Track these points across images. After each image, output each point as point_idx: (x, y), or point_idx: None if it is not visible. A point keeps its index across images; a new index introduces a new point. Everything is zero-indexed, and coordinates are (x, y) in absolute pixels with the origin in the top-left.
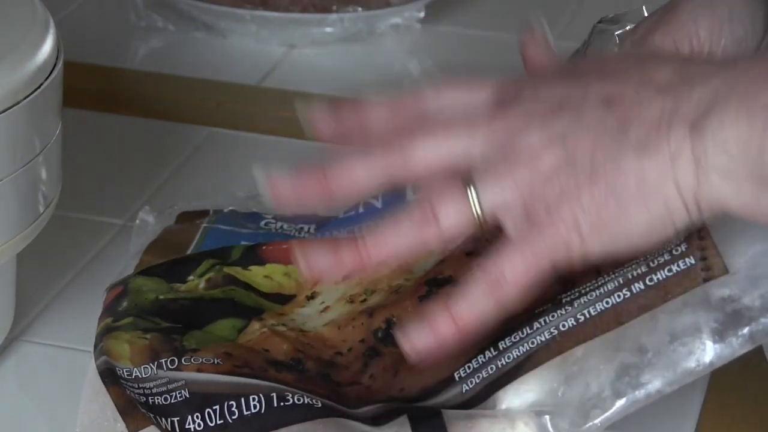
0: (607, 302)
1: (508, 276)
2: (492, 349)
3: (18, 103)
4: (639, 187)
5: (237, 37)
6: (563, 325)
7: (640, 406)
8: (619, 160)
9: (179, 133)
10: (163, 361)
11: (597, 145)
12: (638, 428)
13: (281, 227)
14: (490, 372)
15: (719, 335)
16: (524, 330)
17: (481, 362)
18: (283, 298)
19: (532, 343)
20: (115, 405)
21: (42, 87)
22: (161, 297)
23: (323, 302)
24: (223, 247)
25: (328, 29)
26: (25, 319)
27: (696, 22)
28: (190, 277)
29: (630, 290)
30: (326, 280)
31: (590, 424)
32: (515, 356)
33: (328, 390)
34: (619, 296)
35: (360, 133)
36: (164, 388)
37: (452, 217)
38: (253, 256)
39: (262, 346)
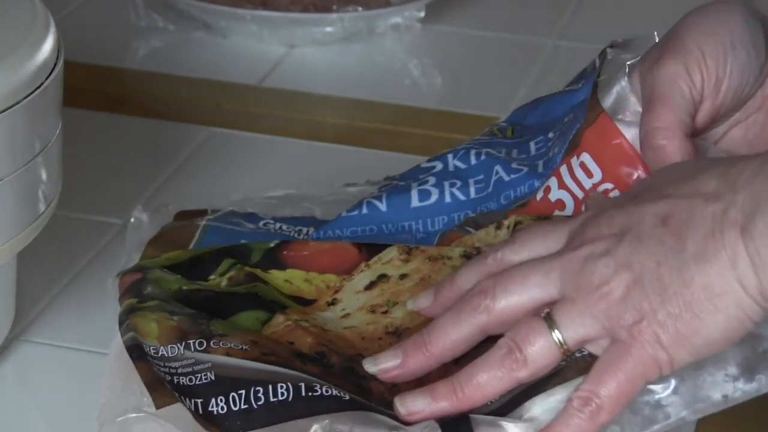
0: None
1: (605, 400)
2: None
3: (18, 102)
4: (707, 294)
5: (237, 36)
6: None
7: (660, 430)
8: (683, 274)
9: (179, 132)
10: (191, 342)
11: (660, 263)
12: None
13: (280, 228)
14: (518, 386)
15: (747, 371)
16: None
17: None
18: (304, 302)
19: (562, 360)
20: (143, 380)
21: (42, 87)
22: (185, 288)
23: (344, 309)
24: (238, 244)
25: (329, 29)
26: (25, 319)
27: (702, 51)
28: (212, 276)
29: None
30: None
31: None
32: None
33: (353, 385)
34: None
35: (456, 299)
36: (190, 369)
37: (539, 354)
38: (273, 259)
39: (287, 338)
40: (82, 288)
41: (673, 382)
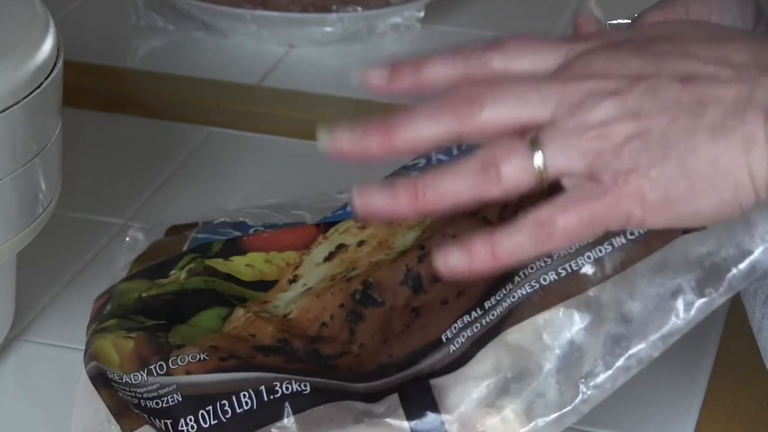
0: (589, 257)
1: (559, 228)
2: (478, 309)
3: (18, 102)
4: (711, 168)
5: (237, 36)
6: (544, 279)
7: (631, 374)
8: (694, 140)
9: (179, 132)
10: (152, 367)
11: (671, 122)
12: (638, 427)
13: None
14: (475, 330)
15: (700, 291)
16: (507, 286)
17: (466, 322)
18: (266, 285)
19: (514, 296)
20: (108, 407)
21: (42, 86)
22: (144, 295)
23: (305, 284)
24: (204, 243)
25: (328, 29)
26: (25, 319)
27: (687, 7)
28: (172, 271)
29: (611, 244)
30: (376, 222)
31: (581, 397)
32: (499, 312)
33: (318, 366)
34: (600, 250)
35: (419, 90)
36: (155, 393)
37: (515, 174)
38: (233, 246)
39: (248, 331)
40: (81, 288)
41: (639, 334)
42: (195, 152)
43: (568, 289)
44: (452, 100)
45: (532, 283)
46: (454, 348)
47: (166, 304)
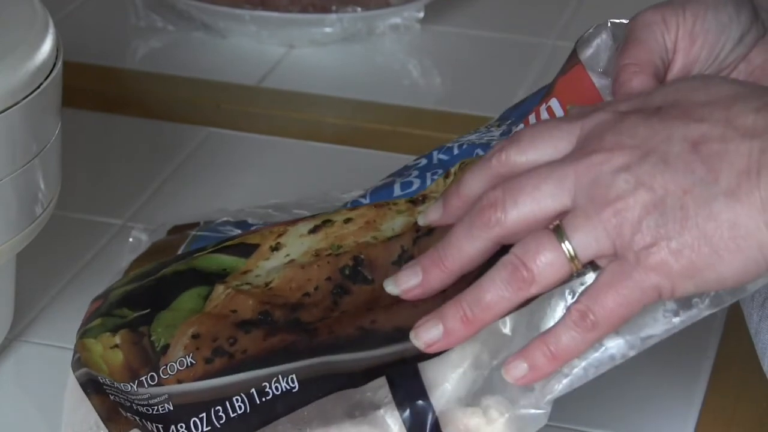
0: None
1: (599, 317)
2: None
3: (17, 103)
4: (732, 233)
5: (236, 37)
6: None
7: (604, 369)
8: (710, 206)
9: (179, 133)
10: (143, 378)
11: (687, 191)
12: (638, 428)
13: None
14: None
15: (683, 302)
16: None
17: None
18: (247, 250)
19: (572, 276)
20: (98, 412)
21: (41, 87)
22: (128, 288)
23: (288, 255)
24: (202, 247)
25: (328, 29)
26: (25, 320)
27: (683, 5)
28: (162, 271)
29: None
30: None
31: (558, 386)
32: None
33: (301, 331)
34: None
35: (469, 207)
36: (146, 402)
37: (548, 269)
38: (225, 239)
39: (228, 308)
40: (81, 288)
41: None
42: (194, 153)
43: None
44: (479, 212)
45: None
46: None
47: (148, 290)
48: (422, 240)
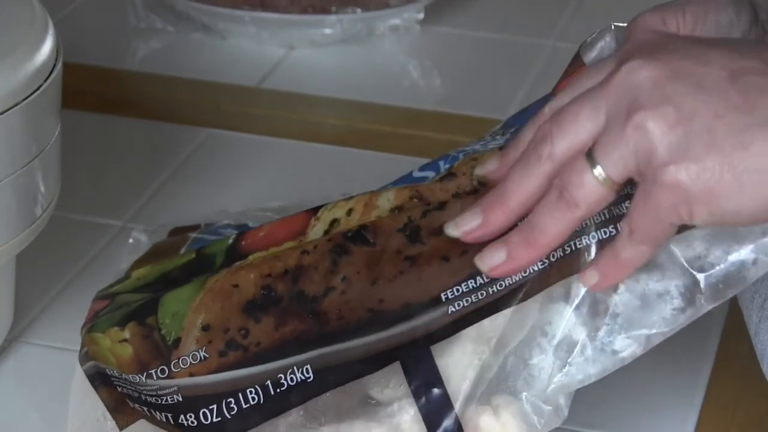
0: (593, 236)
1: (635, 235)
2: (485, 276)
3: (17, 104)
4: (759, 165)
5: (236, 38)
6: (553, 256)
7: (611, 370)
8: (742, 136)
9: (178, 134)
10: (153, 371)
11: (719, 117)
12: (638, 428)
13: None
14: (480, 298)
15: (689, 297)
16: None
17: (471, 287)
18: None
19: (525, 272)
20: (105, 404)
21: (41, 88)
22: (137, 297)
23: None
24: (204, 256)
25: (327, 30)
26: (25, 320)
27: (683, 7)
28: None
29: (616, 228)
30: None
31: (569, 383)
32: (507, 284)
33: (306, 311)
34: (604, 232)
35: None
36: (154, 393)
37: (587, 194)
38: (235, 254)
39: (230, 282)
40: (80, 289)
41: (623, 329)
42: (194, 154)
43: (569, 266)
44: (532, 149)
45: (543, 259)
46: (453, 309)
47: (156, 281)
48: (433, 213)
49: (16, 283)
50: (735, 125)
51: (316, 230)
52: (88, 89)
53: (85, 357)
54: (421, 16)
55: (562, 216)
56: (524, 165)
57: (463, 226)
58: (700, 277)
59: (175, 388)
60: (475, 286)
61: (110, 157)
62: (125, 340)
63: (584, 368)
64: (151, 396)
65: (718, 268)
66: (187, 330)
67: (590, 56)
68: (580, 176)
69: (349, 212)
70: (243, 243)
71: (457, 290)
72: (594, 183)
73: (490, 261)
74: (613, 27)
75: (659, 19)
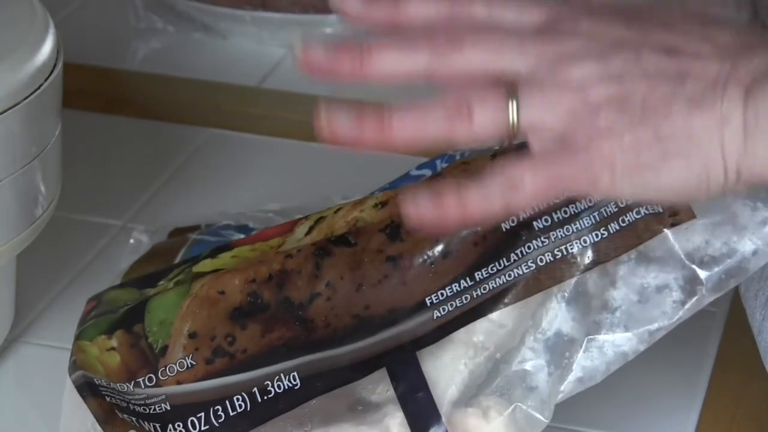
0: (585, 240)
1: (527, 185)
2: (468, 279)
3: (17, 104)
4: (685, 138)
5: (237, 38)
6: (541, 260)
7: (615, 367)
8: (671, 108)
9: (179, 134)
10: (140, 379)
11: (652, 89)
12: (638, 428)
13: None
14: (465, 302)
15: (688, 289)
16: (501, 261)
17: (455, 290)
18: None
19: (510, 276)
20: (94, 415)
21: (41, 88)
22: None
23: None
24: (195, 255)
25: (328, 30)
26: (25, 321)
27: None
28: (161, 282)
29: (607, 230)
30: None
31: (566, 383)
32: (492, 287)
33: (293, 319)
34: (597, 235)
35: (395, 24)
36: (142, 402)
37: (486, 119)
38: (222, 247)
39: (216, 288)
40: (81, 289)
41: (623, 325)
42: (195, 154)
43: (561, 271)
44: (431, 37)
45: (529, 263)
46: (438, 314)
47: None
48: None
49: (16, 283)
50: (666, 97)
51: (303, 227)
52: (88, 89)
53: (73, 367)
54: None
55: (443, 124)
56: (412, 41)
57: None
58: (700, 269)
59: (163, 396)
60: (458, 289)
61: (111, 157)
62: (113, 348)
63: (585, 367)
64: (140, 405)
65: (717, 259)
66: (174, 338)
67: None
68: (493, 103)
69: (337, 210)
70: (233, 241)
71: (442, 294)
72: (502, 117)
73: (333, 121)
74: None
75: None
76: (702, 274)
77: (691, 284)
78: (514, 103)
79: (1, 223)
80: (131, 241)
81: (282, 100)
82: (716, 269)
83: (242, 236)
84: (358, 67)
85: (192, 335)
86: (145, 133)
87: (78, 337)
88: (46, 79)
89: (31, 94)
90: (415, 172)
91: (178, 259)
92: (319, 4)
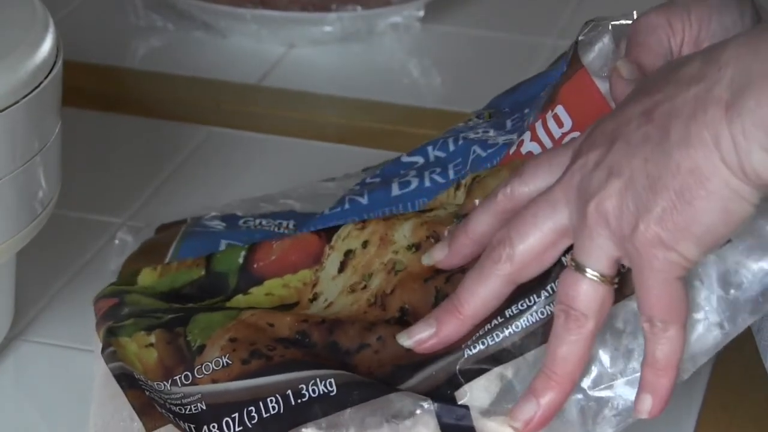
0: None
1: (663, 319)
2: (498, 318)
3: (17, 102)
4: (695, 179)
5: (236, 36)
6: None
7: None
8: (669, 163)
9: (179, 132)
10: (177, 377)
11: (647, 159)
12: (638, 428)
13: (260, 223)
14: (496, 339)
15: (728, 314)
16: (531, 298)
17: (486, 329)
18: (287, 308)
19: (542, 314)
20: (132, 406)
21: (41, 86)
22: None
23: (326, 299)
24: (215, 273)
25: (328, 28)
26: (25, 318)
27: (688, 8)
28: (190, 304)
29: None
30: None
31: (605, 411)
32: (524, 326)
33: (337, 362)
34: (624, 266)
35: (480, 248)
36: (179, 401)
37: (592, 302)
38: (248, 277)
39: (266, 320)
40: (81, 287)
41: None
42: (195, 152)
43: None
44: (489, 252)
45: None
46: (469, 353)
47: (193, 287)
48: (453, 278)
49: (16, 280)
50: (661, 157)
51: (332, 260)
52: (88, 87)
53: (111, 356)
54: (421, 14)
55: (578, 337)
56: (479, 270)
57: (415, 336)
58: (736, 294)
59: (199, 395)
60: (489, 327)
61: (111, 156)
62: (151, 345)
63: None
64: (176, 405)
65: (752, 282)
66: (214, 340)
67: (589, 57)
68: (576, 287)
69: (365, 245)
70: (255, 266)
71: (475, 336)
72: (592, 286)
73: (521, 415)
74: (610, 27)
75: (665, 20)
76: (739, 297)
77: (731, 310)
78: (588, 269)
79: (1, 221)
80: (116, 241)
81: (282, 99)
82: (751, 292)
83: (230, 227)
84: (461, 322)
85: (232, 339)
86: (145, 131)
87: (115, 334)
88: (46, 77)
89: (31, 92)
90: (406, 159)
91: (170, 254)
92: (318, 2)
